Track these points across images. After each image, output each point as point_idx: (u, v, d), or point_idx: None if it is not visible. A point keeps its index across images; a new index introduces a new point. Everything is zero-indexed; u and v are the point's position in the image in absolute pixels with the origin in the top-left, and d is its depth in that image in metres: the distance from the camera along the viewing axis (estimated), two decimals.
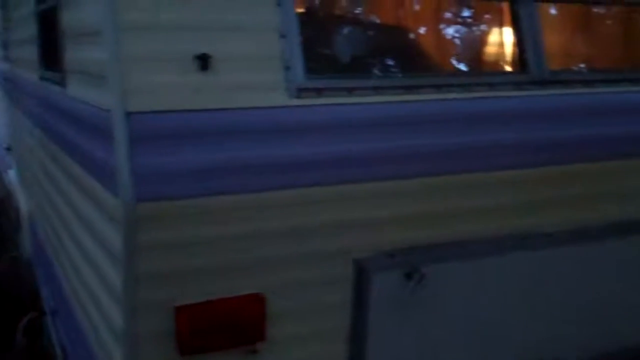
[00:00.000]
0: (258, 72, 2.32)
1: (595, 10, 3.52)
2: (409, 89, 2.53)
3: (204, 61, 2.25)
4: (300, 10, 2.44)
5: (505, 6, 2.94)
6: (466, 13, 3.05)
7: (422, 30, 3.01)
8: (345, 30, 2.78)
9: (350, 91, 2.44)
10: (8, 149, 6.69)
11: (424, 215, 2.61)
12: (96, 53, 2.35)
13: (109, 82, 2.18)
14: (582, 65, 3.28)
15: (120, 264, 2.22)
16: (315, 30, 2.57)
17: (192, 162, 2.20)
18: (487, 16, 3.16)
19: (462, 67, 3.05)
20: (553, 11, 3.20)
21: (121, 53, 2.16)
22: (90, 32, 2.43)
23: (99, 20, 2.27)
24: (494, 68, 3.32)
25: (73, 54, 2.83)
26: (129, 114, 2.13)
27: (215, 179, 2.23)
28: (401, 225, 2.58)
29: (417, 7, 3.09)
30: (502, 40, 3.13)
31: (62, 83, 3.02)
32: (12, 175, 6.25)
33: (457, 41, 3.05)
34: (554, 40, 3.10)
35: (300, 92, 2.36)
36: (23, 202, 5.30)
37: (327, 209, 2.42)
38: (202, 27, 2.28)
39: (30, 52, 4.16)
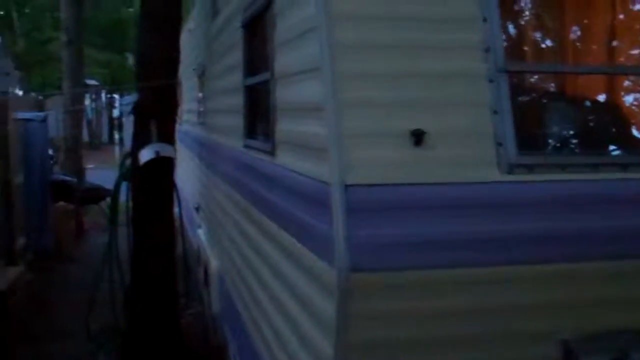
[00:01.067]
0: (470, 148, 2.36)
1: None
2: (625, 167, 2.45)
3: (418, 137, 2.32)
4: (512, 86, 2.46)
5: None
6: None
7: (636, 105, 2.93)
8: (557, 107, 2.77)
9: (563, 168, 2.41)
10: (197, 208, 7.13)
11: (637, 298, 2.49)
12: (314, 127, 2.48)
13: (329, 155, 2.29)
14: None
15: (332, 333, 2.28)
16: (526, 107, 2.58)
17: (405, 235, 2.25)
18: None
19: None
20: None
21: (341, 128, 2.27)
22: (309, 107, 2.57)
23: (318, 97, 2.40)
24: None
25: (286, 126, 3.00)
26: (346, 187, 2.23)
27: (426, 252, 2.26)
28: (612, 307, 2.48)
29: (628, 83, 3.01)
30: None
31: (271, 152, 3.20)
32: (200, 233, 6.64)
33: None
34: None
35: (513, 168, 2.36)
36: (212, 260, 5.59)
37: (537, 288, 2.37)
38: (417, 103, 2.37)
39: (233, 121, 4.45)
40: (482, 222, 2.29)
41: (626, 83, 3.03)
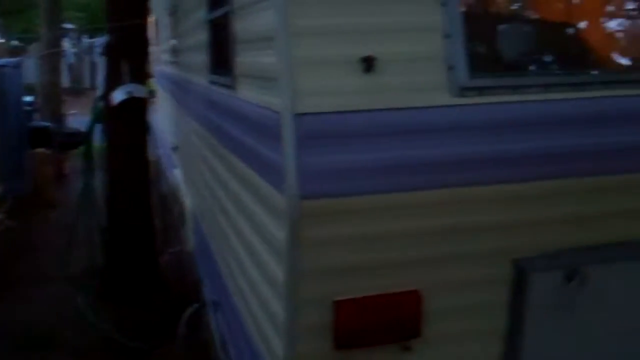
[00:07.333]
0: (421, 73, 2.36)
1: None
2: (575, 86, 2.47)
3: (368, 63, 2.31)
4: (464, 9, 2.45)
5: None
6: (632, 5, 2.91)
7: (587, 25, 2.91)
8: (508, 28, 2.75)
9: (514, 89, 2.43)
10: (174, 148, 7.13)
11: (586, 215, 2.54)
12: (267, 57, 2.47)
13: (279, 84, 2.29)
14: None
15: (284, 259, 2.33)
16: (478, 29, 2.57)
17: (355, 162, 2.27)
18: None
19: (629, 63, 2.91)
20: None
21: (291, 57, 2.26)
22: (262, 37, 2.56)
23: (270, 27, 2.39)
24: None
25: (244, 59, 2.99)
26: (297, 115, 2.23)
27: (377, 177, 2.28)
28: (562, 225, 2.53)
29: (581, 1, 3.00)
30: None
31: (232, 86, 3.19)
32: (177, 173, 6.66)
33: (623, 36, 2.93)
34: None
35: (463, 91, 2.37)
36: (187, 199, 5.63)
37: (487, 209, 2.41)
38: (367, 30, 2.34)
39: (200, 58, 4.42)
40: (433, 146, 2.31)
41: (582, 1, 3.03)
